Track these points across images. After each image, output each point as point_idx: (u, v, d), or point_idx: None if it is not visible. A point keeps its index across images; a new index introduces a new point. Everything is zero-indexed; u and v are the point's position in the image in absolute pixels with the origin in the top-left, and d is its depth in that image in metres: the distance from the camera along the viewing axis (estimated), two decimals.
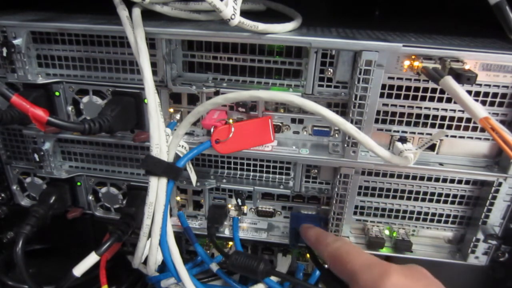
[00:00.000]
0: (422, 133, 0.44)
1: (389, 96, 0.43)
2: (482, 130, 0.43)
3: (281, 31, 0.41)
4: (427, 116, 0.43)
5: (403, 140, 0.44)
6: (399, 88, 0.42)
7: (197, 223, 0.54)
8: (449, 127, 0.44)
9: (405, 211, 0.50)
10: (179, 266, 0.44)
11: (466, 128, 0.44)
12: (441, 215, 0.49)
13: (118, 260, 0.52)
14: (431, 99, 0.42)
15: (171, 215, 0.50)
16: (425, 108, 0.43)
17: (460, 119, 0.43)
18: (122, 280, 0.56)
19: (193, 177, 0.48)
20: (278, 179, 0.52)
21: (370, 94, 0.41)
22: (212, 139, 0.43)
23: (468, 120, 0.43)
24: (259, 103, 0.46)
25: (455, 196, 0.48)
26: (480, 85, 0.41)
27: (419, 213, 0.50)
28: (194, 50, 0.46)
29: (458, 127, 0.44)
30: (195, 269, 0.52)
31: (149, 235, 0.43)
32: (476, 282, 0.51)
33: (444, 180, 0.47)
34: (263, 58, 0.45)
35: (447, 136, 0.44)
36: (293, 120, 0.47)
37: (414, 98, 0.42)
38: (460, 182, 0.47)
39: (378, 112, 0.43)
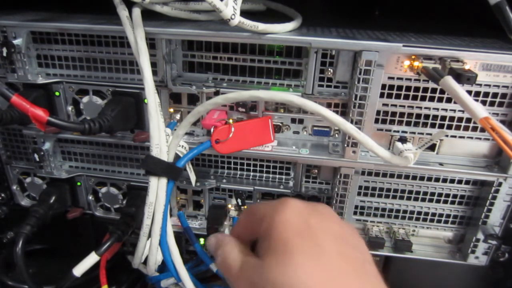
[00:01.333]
0: (422, 133, 0.44)
1: (389, 96, 0.43)
2: (482, 130, 0.43)
3: (281, 31, 0.41)
4: (427, 116, 0.43)
5: (403, 140, 0.44)
6: (399, 88, 0.42)
7: (197, 223, 0.54)
8: (449, 127, 0.44)
9: (405, 211, 0.50)
10: (179, 266, 0.44)
11: (466, 128, 0.44)
12: (441, 215, 0.49)
13: (118, 260, 0.52)
14: (431, 99, 0.42)
15: (171, 215, 0.50)
16: (425, 108, 0.43)
17: (460, 119, 0.43)
18: (122, 280, 0.56)
19: (193, 177, 0.48)
20: (278, 179, 0.52)
21: (370, 94, 0.41)
22: (212, 139, 0.43)
23: (468, 120, 0.43)
24: (259, 103, 0.46)
25: (455, 196, 0.48)
26: (480, 85, 0.41)
27: (419, 213, 0.50)
28: (194, 50, 0.46)
29: (458, 127, 0.44)
30: (195, 269, 0.52)
31: (149, 235, 0.43)
32: (476, 282, 0.51)
33: (444, 180, 0.47)
34: (263, 58, 0.45)
35: (447, 136, 0.44)
36: (293, 120, 0.47)
37: (414, 98, 0.42)
38: (460, 182, 0.47)
39: (378, 112, 0.43)
